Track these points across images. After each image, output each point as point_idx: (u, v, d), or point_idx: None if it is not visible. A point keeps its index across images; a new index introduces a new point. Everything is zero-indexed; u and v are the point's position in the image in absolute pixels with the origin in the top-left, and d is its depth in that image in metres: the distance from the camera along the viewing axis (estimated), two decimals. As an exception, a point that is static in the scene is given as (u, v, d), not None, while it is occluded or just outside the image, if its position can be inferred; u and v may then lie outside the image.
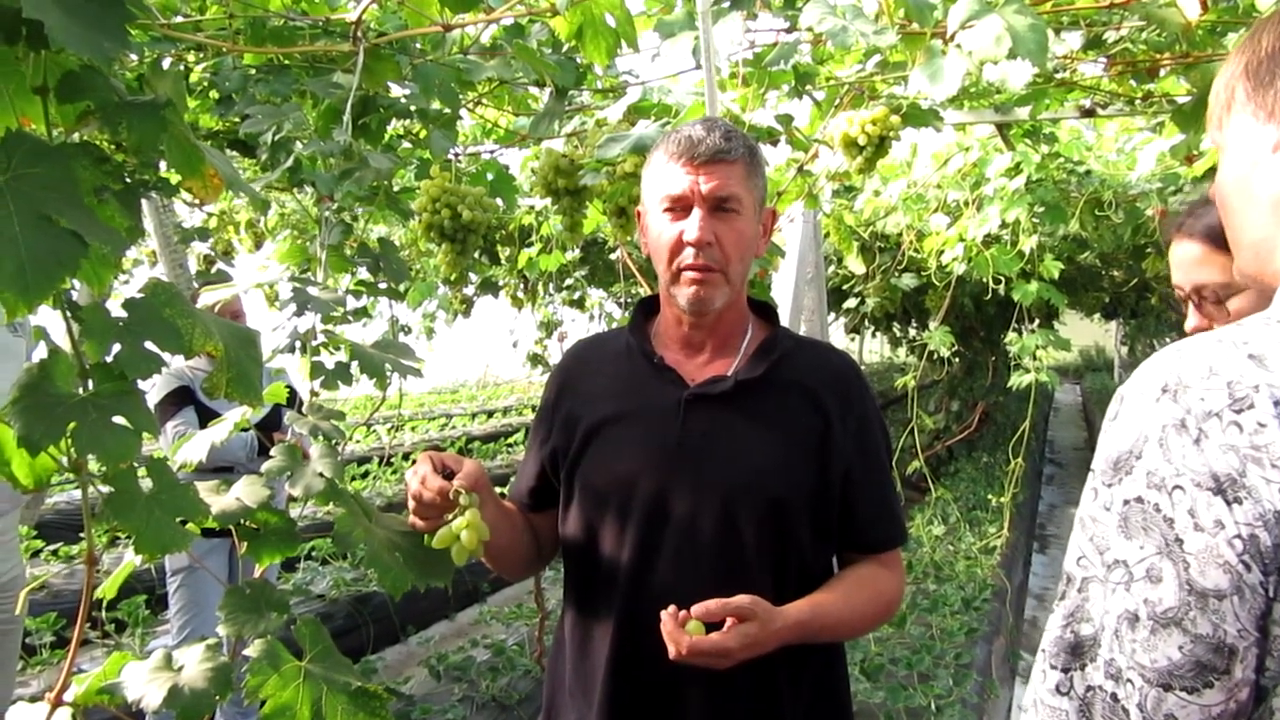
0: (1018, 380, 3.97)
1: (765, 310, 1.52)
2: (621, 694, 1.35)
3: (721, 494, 1.34)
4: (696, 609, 1.20)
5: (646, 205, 1.42)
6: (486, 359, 19.81)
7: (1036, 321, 4.24)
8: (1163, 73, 2.57)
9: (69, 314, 0.78)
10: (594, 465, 1.42)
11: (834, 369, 1.47)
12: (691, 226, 1.32)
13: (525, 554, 1.51)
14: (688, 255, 1.34)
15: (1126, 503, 0.79)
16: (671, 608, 1.21)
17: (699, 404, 1.38)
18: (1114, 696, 0.77)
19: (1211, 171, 3.51)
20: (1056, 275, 3.78)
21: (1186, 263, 1.49)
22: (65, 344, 0.80)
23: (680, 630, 1.19)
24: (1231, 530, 0.72)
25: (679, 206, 1.34)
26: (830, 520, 1.40)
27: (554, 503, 1.50)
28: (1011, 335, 4.05)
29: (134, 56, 1.46)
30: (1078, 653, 0.80)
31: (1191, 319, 1.50)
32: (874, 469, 1.44)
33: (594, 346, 1.57)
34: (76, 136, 0.93)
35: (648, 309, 1.53)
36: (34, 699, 0.88)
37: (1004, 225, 3.78)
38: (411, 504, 1.26)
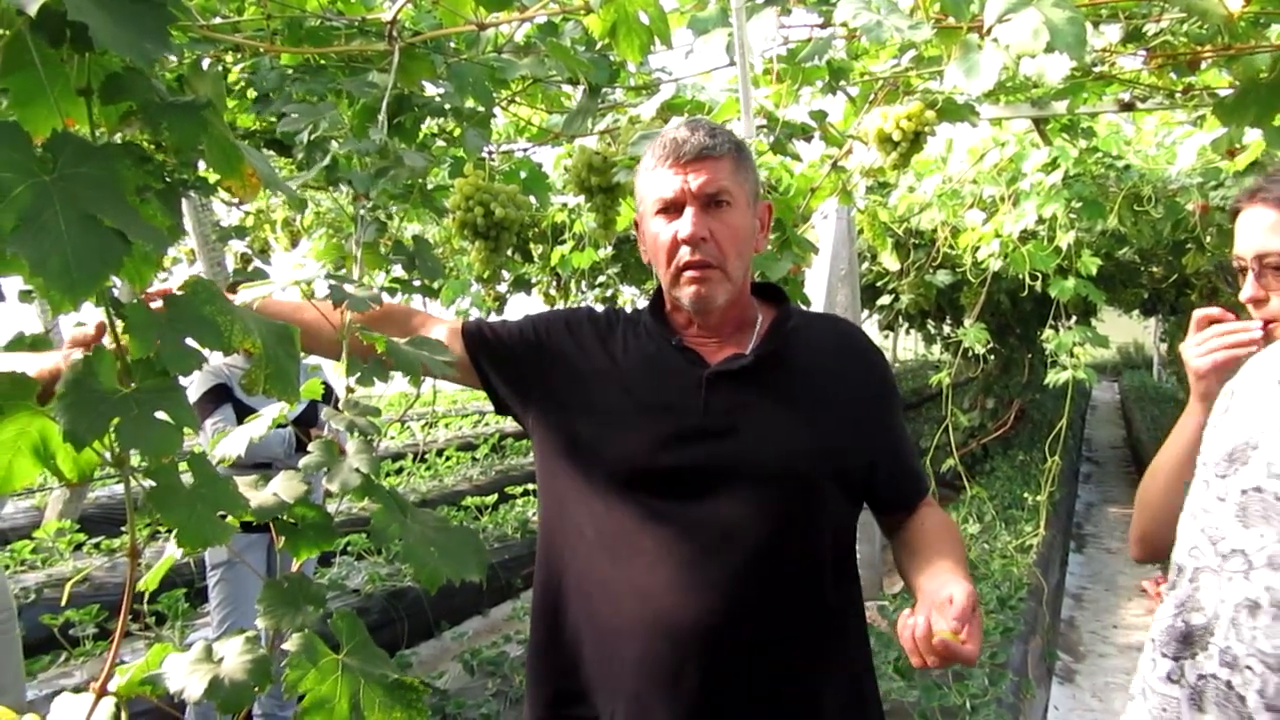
0: (1054, 377, 3.93)
1: (772, 293, 1.53)
2: (654, 673, 1.32)
3: (747, 471, 1.34)
4: (955, 627, 1.15)
5: (641, 212, 1.44)
6: (519, 356, 19.84)
7: (1074, 318, 4.21)
8: (1204, 65, 2.54)
9: (112, 311, 0.79)
10: (613, 447, 1.39)
11: (847, 337, 1.52)
12: (684, 224, 1.34)
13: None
14: (684, 253, 1.35)
15: (1244, 492, 0.79)
16: (924, 621, 1.16)
17: (720, 382, 1.38)
18: (1228, 684, 0.77)
19: (1254, 166, 3.46)
20: (1094, 271, 3.74)
21: (1256, 229, 1.45)
22: (108, 341, 0.82)
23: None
24: None
25: (672, 207, 1.36)
26: (857, 486, 1.42)
27: (476, 362, 1.50)
28: (1048, 332, 4.01)
29: (174, 58, 1.48)
30: (1188, 641, 0.80)
31: (1248, 289, 1.47)
32: (901, 430, 1.50)
33: (612, 320, 1.54)
34: (119, 137, 0.95)
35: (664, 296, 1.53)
36: (78, 689, 0.89)
37: (1041, 221, 3.74)
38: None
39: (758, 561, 1.31)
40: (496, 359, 1.51)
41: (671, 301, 1.45)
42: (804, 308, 1.56)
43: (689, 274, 1.36)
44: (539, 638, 1.46)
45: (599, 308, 1.61)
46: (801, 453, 1.35)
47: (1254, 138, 3.26)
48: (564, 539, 1.43)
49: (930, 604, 1.21)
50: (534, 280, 6.80)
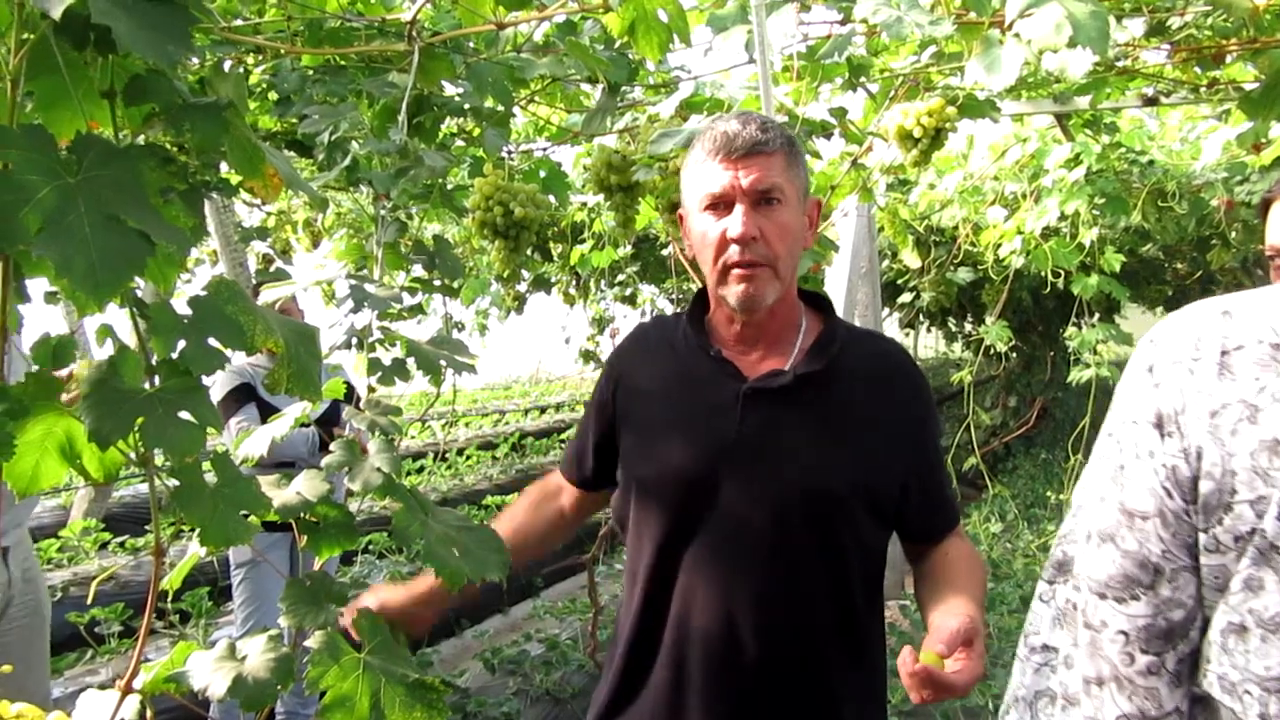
0: (1077, 375, 3.90)
1: (818, 302, 1.50)
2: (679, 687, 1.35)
3: (779, 490, 1.32)
4: (942, 650, 1.12)
5: (687, 206, 1.40)
6: (539, 355, 19.94)
7: (1096, 315, 4.17)
8: (1229, 59, 2.51)
9: (136, 311, 0.80)
10: (650, 460, 1.41)
11: (890, 359, 1.46)
12: (735, 222, 1.30)
13: (540, 544, 1.64)
14: (733, 252, 1.31)
15: (1107, 435, 0.90)
16: (910, 654, 1.11)
17: (757, 398, 1.36)
18: (1074, 605, 0.89)
19: (1279, 162, 3.42)
20: (1117, 268, 3.71)
21: None
22: (132, 341, 0.82)
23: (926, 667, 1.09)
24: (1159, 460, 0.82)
25: (721, 203, 1.32)
26: (888, 510, 1.39)
27: (607, 483, 1.56)
28: (1071, 329, 3.98)
29: (196, 60, 1.49)
30: (1063, 569, 0.91)
31: None
32: (937, 459, 1.45)
33: (649, 335, 1.56)
34: (142, 138, 0.96)
35: (704, 301, 1.50)
36: (103, 686, 0.90)
37: (1063, 217, 3.71)
38: None
39: (785, 578, 1.31)
40: (601, 454, 1.56)
41: (716, 300, 1.42)
42: (848, 323, 1.53)
43: (737, 272, 1.32)
44: (607, 665, 1.49)
45: (647, 322, 1.62)
46: (833, 472, 1.33)
47: (1280, 132, 3.22)
48: (630, 563, 1.47)
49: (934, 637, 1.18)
50: (553, 279, 6.81)
